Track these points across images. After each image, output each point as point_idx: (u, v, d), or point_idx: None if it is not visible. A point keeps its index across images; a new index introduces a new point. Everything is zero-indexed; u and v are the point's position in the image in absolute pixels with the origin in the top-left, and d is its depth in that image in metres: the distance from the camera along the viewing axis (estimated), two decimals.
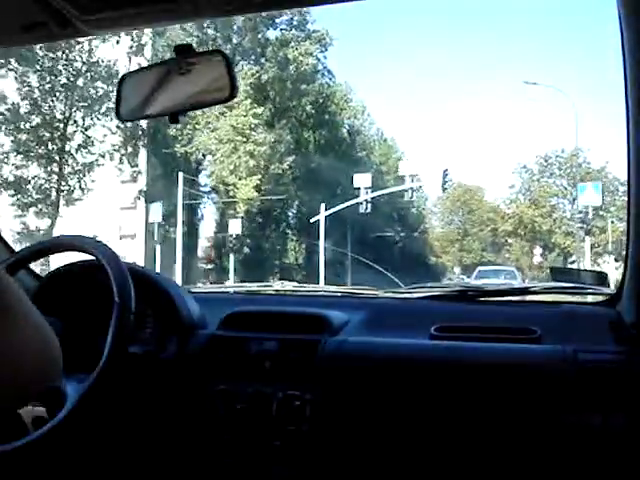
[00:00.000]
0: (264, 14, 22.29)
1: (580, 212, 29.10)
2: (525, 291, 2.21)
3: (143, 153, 30.22)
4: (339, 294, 2.42)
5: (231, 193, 30.70)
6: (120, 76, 1.64)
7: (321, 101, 34.63)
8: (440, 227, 45.17)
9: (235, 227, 31.02)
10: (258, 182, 29.71)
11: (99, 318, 1.68)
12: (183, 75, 1.52)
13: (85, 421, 1.58)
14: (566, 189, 37.75)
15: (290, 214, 36.12)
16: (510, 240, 41.10)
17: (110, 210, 29.91)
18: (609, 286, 2.02)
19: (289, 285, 2.63)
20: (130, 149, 28.72)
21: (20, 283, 1.88)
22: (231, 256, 30.62)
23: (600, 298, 1.97)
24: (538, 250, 39.29)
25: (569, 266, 33.75)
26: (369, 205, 28.58)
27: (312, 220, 30.02)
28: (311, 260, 33.29)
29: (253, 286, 2.56)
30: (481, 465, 1.64)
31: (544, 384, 1.61)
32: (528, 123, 54.39)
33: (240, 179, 29.71)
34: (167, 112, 1.57)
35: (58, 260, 2.00)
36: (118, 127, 27.96)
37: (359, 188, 28.64)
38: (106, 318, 1.59)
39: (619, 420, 1.53)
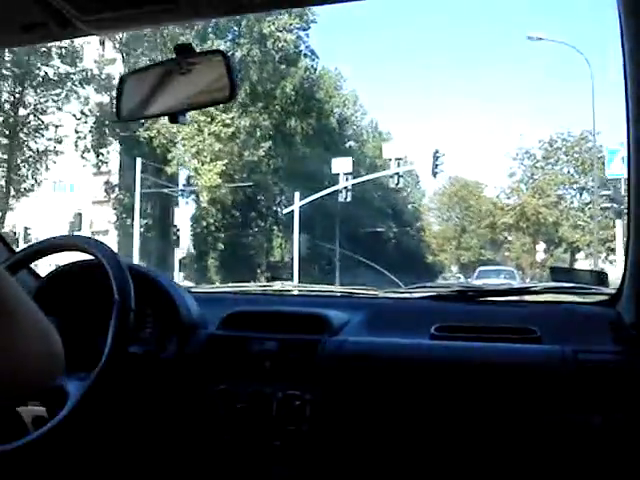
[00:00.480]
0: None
1: (607, 187, 25.27)
2: (525, 291, 2.32)
3: (115, 142, 29.48)
4: (339, 294, 2.52)
5: (192, 180, 29.50)
6: (120, 76, 1.75)
7: (307, 86, 33.44)
8: (437, 224, 44.81)
9: (181, 217, 29.78)
10: (224, 168, 28.60)
11: (99, 317, 1.77)
12: (183, 75, 1.62)
13: (86, 420, 1.66)
14: (573, 177, 36.03)
15: (273, 207, 35.05)
16: (510, 237, 40.04)
17: (82, 204, 29.22)
18: (609, 286, 2.11)
19: (289, 285, 2.76)
20: (96, 136, 28.06)
21: (20, 283, 2.02)
22: (176, 251, 29.18)
23: (600, 298, 2.06)
24: (541, 246, 37.95)
25: (581, 263, 33.01)
26: (349, 194, 26.89)
27: (285, 211, 28.94)
28: (306, 258, 31.87)
29: (253, 286, 2.69)
30: (481, 465, 1.74)
31: (544, 384, 1.70)
32: (534, 100, 52.46)
33: (203, 164, 28.57)
34: (167, 112, 1.68)
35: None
36: (83, 113, 27.28)
37: (338, 174, 27.15)
38: (106, 317, 1.68)
39: (619, 420, 1.62)
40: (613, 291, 1.99)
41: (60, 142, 26.86)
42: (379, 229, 36.50)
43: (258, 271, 32.29)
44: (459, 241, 42.46)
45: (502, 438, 1.72)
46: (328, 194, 27.00)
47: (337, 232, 33.15)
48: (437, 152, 25.41)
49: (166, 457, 1.91)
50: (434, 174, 26.33)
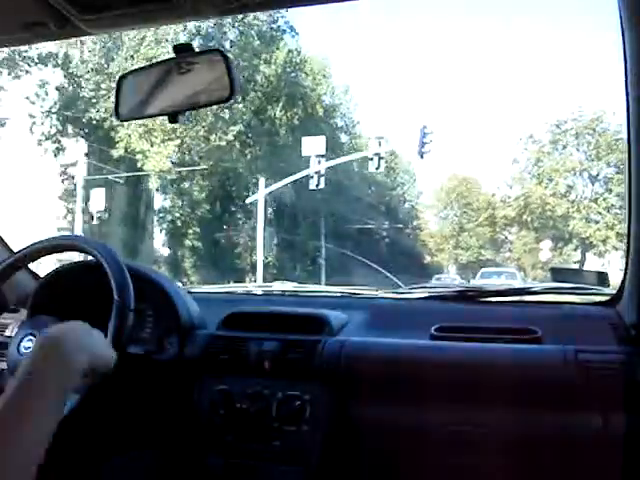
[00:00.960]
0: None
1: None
2: (525, 291, 2.37)
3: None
4: (339, 294, 2.58)
5: (140, 164, 26.98)
6: (119, 76, 1.81)
7: (289, 70, 31.80)
8: (434, 222, 44.26)
9: (97, 200, 26.36)
10: (176, 149, 26.73)
11: (99, 317, 1.77)
12: (183, 75, 1.69)
13: (85, 421, 1.70)
14: (584, 163, 33.20)
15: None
16: (511, 237, 39.15)
17: (47, 199, 27.35)
18: (609, 286, 2.17)
19: (289, 285, 2.85)
20: (55, 122, 26.69)
21: (19, 283, 2.10)
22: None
23: (600, 298, 2.12)
24: (547, 243, 35.26)
25: (593, 263, 30.44)
26: (322, 179, 24.02)
27: (248, 200, 26.67)
28: (287, 257, 30.94)
29: (253, 286, 2.77)
30: (481, 465, 1.80)
31: (545, 384, 1.76)
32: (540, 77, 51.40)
33: (152, 145, 26.55)
34: (167, 112, 1.74)
35: None
36: (37, 95, 26.04)
37: (309, 157, 24.46)
38: (106, 317, 1.73)
39: (619, 420, 1.68)
40: (613, 291, 2.04)
41: (3, 125, 25.66)
42: (370, 226, 35.40)
43: (243, 271, 30.68)
44: (457, 240, 41.76)
45: (502, 438, 1.77)
46: (300, 180, 25.06)
47: (322, 228, 32.06)
48: (425, 128, 23.05)
49: (166, 457, 1.97)
50: (421, 154, 23.52)
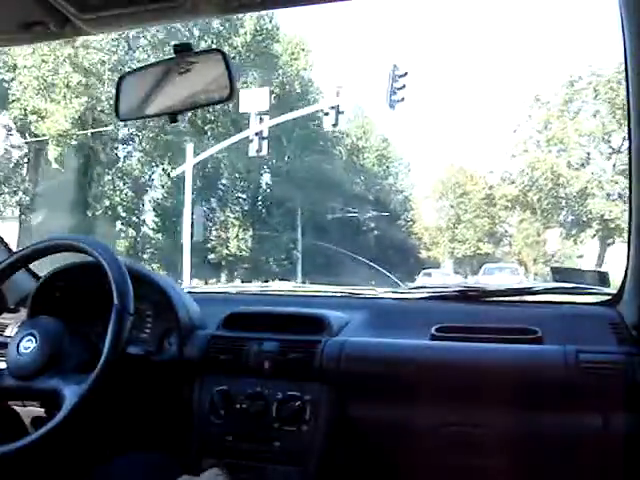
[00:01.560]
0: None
1: None
2: (526, 291, 2.41)
3: None
4: (339, 294, 2.62)
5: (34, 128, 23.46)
6: (119, 76, 1.86)
7: (260, 39, 29.82)
8: (429, 213, 43.13)
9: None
10: (79, 108, 22.98)
11: (98, 318, 1.87)
12: (182, 74, 1.75)
13: (83, 423, 1.76)
14: (606, 126, 28.20)
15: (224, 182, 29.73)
16: (511, 229, 37.73)
17: None
18: (610, 286, 2.22)
19: (289, 285, 2.93)
20: None
21: (19, 283, 2.18)
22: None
23: (601, 298, 2.17)
24: (555, 233, 32.00)
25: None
26: (264, 143, 20.45)
27: (174, 173, 24.05)
28: (259, 252, 29.20)
29: (253, 286, 2.85)
30: (482, 465, 1.86)
31: (545, 384, 1.81)
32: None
33: (53, 101, 23.12)
34: (166, 112, 1.81)
35: None
36: None
37: (248, 114, 21.29)
38: (105, 318, 1.77)
39: (619, 420, 1.74)
40: (614, 291, 2.09)
41: None
42: (354, 214, 33.79)
43: (217, 266, 28.23)
44: (453, 232, 40.74)
45: (503, 438, 1.83)
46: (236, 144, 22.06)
47: (299, 218, 30.52)
48: (396, 69, 18.88)
49: (166, 457, 2.01)
50: (392, 104, 19.40)
